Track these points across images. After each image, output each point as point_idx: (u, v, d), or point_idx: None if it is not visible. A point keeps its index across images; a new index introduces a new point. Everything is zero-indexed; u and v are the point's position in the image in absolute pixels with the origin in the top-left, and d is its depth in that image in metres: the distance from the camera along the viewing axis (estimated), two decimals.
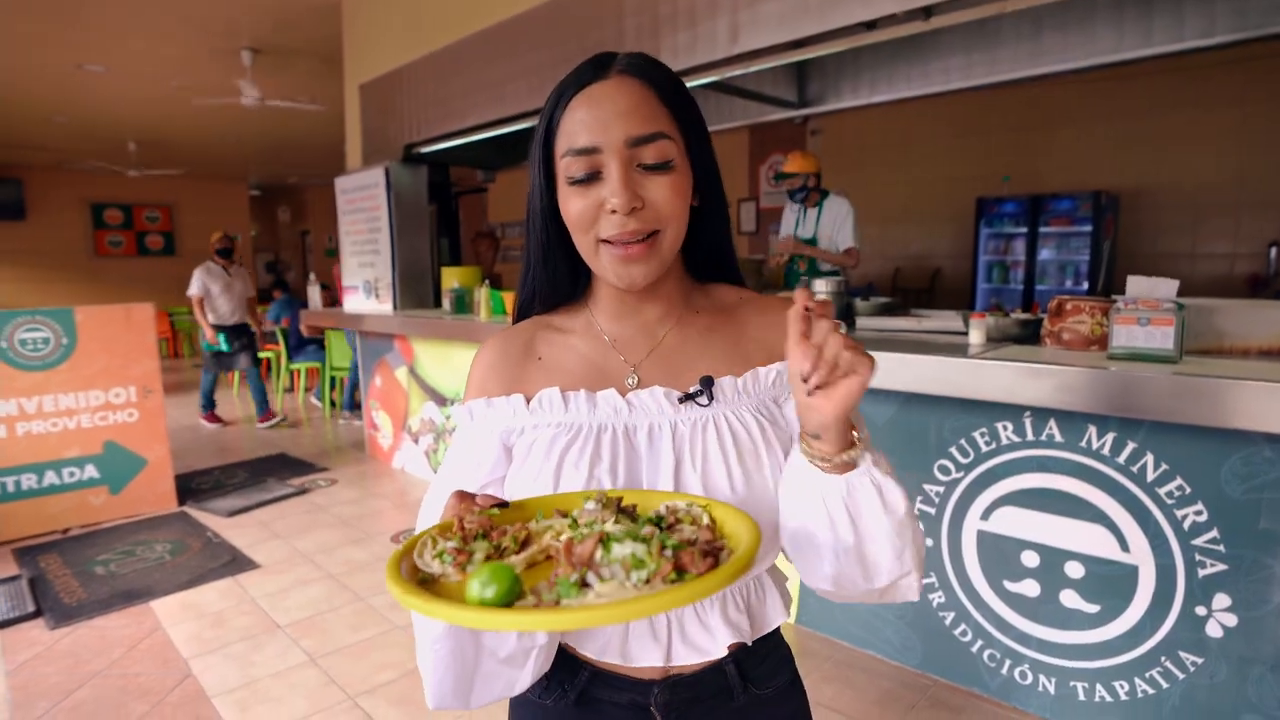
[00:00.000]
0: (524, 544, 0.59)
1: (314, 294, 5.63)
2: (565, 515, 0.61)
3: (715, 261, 0.82)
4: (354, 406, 6.26)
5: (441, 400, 4.28)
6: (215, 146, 9.50)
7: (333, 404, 6.70)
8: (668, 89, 0.71)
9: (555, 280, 0.79)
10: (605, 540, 0.52)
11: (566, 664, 0.76)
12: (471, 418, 0.78)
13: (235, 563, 3.26)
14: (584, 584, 0.50)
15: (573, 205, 0.70)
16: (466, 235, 6.24)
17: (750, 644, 0.75)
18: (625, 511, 0.60)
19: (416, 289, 4.73)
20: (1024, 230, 6.10)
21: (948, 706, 2.12)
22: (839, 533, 0.65)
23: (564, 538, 0.55)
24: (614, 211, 0.68)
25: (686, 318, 0.79)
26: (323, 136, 8.59)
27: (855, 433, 0.64)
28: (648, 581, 0.49)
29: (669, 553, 0.51)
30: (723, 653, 0.73)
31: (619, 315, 0.79)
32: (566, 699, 0.76)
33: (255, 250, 13.73)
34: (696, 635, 0.73)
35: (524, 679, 0.70)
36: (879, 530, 0.65)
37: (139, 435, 3.90)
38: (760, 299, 0.82)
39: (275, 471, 4.73)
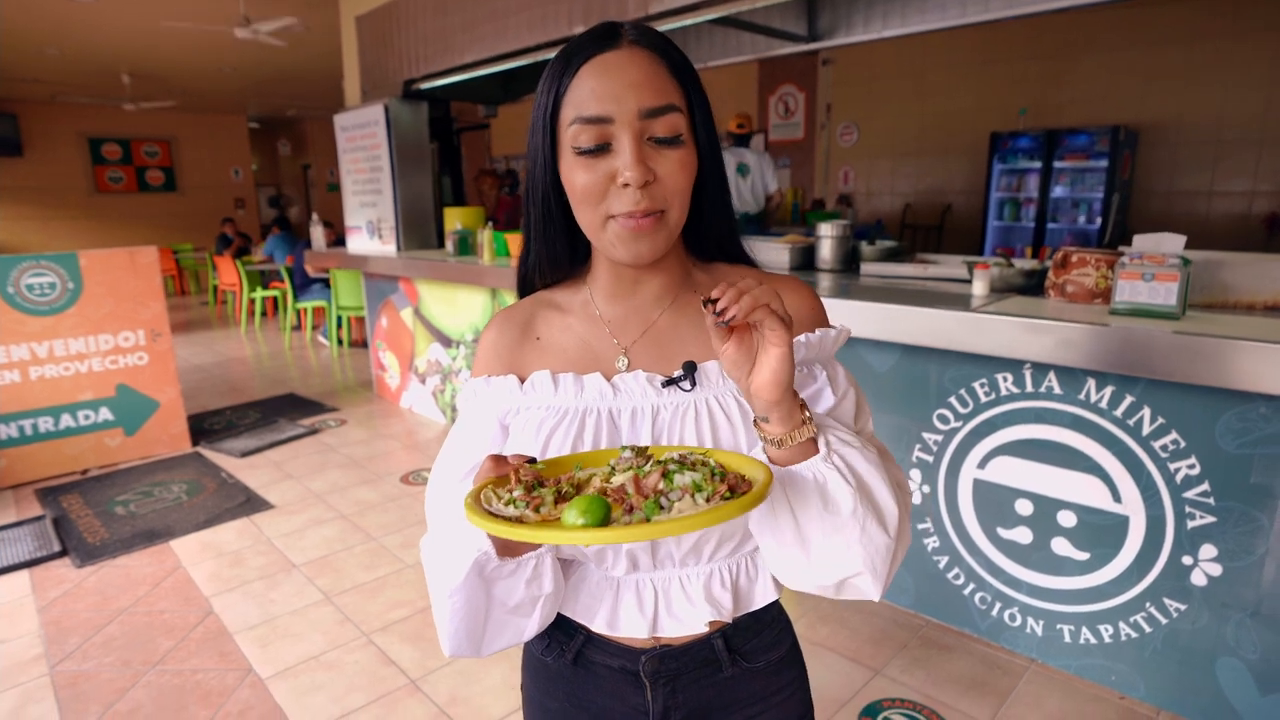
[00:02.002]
0: (578, 489, 0.63)
1: (317, 233, 5.58)
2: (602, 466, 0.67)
3: (716, 239, 0.81)
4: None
5: (447, 341, 4.31)
6: (211, 77, 9.27)
7: (340, 342, 6.75)
8: (678, 62, 0.70)
9: (554, 254, 0.79)
10: (667, 473, 0.59)
11: (565, 627, 0.81)
12: (475, 395, 0.80)
13: (250, 503, 3.36)
14: (659, 507, 0.57)
15: (579, 177, 0.68)
16: (469, 173, 6.15)
17: (731, 623, 0.78)
18: (649, 459, 0.65)
19: (420, 229, 4.70)
20: (1038, 165, 5.96)
21: (938, 645, 2.21)
22: (780, 520, 0.66)
23: (628, 474, 0.60)
24: (626, 185, 0.66)
25: (683, 298, 0.79)
26: (321, 68, 8.36)
27: (805, 414, 0.63)
28: (708, 500, 0.56)
29: (717, 479, 0.59)
30: (703, 629, 0.76)
31: (616, 295, 0.79)
32: (564, 659, 0.81)
33: (257, 185, 13.56)
34: (681, 609, 0.76)
35: (531, 627, 0.74)
36: (818, 527, 0.64)
37: (150, 378, 3.96)
38: (762, 278, 0.79)
39: (285, 412, 4.81)
